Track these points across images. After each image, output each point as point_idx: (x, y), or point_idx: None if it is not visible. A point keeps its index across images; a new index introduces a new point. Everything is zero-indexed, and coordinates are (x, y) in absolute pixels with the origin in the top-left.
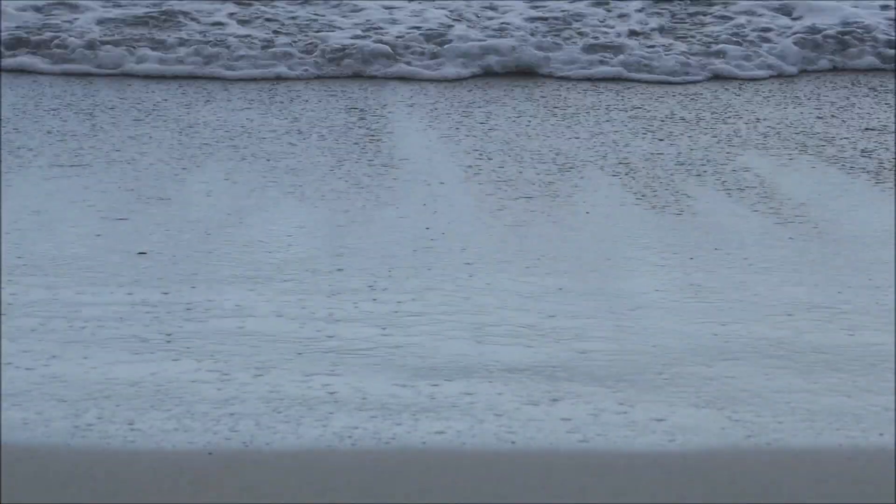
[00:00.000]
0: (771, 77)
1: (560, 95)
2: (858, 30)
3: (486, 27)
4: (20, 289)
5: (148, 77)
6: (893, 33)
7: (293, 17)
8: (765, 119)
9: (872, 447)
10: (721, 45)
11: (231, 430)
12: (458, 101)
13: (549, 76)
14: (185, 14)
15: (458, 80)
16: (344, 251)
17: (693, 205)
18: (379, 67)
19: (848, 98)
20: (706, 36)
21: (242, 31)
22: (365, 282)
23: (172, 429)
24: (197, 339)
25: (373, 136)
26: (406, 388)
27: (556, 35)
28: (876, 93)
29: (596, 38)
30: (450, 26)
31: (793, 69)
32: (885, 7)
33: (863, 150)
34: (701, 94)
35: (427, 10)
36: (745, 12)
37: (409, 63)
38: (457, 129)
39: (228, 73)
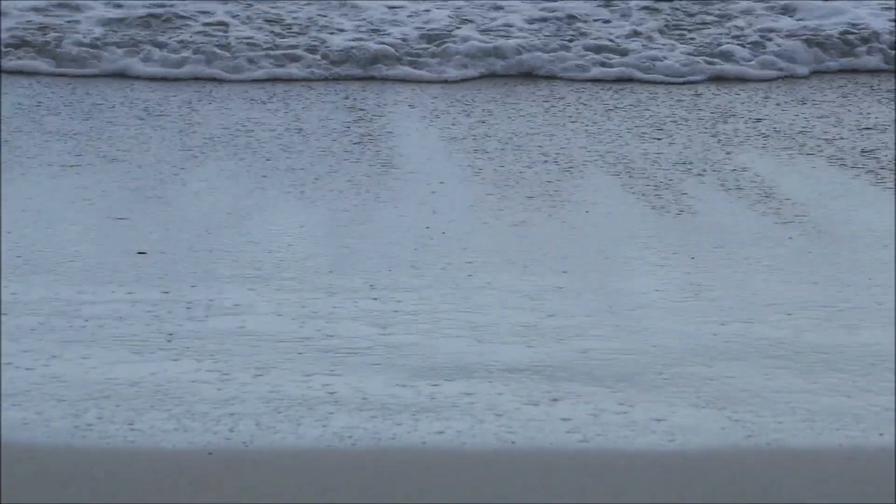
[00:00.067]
0: (773, 79)
1: (561, 96)
2: (863, 31)
3: (488, 28)
4: (20, 288)
5: (150, 79)
6: (894, 34)
7: (295, 18)
8: (765, 119)
9: (872, 447)
10: (724, 46)
11: (231, 430)
12: (459, 101)
13: (552, 77)
14: (186, 15)
15: (459, 81)
16: (344, 251)
17: (693, 205)
18: (381, 69)
19: (848, 98)
20: (708, 36)
21: (244, 32)
22: (365, 281)
23: (172, 429)
24: (197, 339)
25: (373, 136)
26: (406, 388)
27: (558, 36)
28: (876, 93)
29: (598, 38)
30: (454, 28)
31: (804, 69)
32: (886, 8)
33: (863, 150)
34: (701, 94)
35: (431, 10)
36: (746, 12)
37: (411, 64)
38: (457, 128)
39: (230, 76)
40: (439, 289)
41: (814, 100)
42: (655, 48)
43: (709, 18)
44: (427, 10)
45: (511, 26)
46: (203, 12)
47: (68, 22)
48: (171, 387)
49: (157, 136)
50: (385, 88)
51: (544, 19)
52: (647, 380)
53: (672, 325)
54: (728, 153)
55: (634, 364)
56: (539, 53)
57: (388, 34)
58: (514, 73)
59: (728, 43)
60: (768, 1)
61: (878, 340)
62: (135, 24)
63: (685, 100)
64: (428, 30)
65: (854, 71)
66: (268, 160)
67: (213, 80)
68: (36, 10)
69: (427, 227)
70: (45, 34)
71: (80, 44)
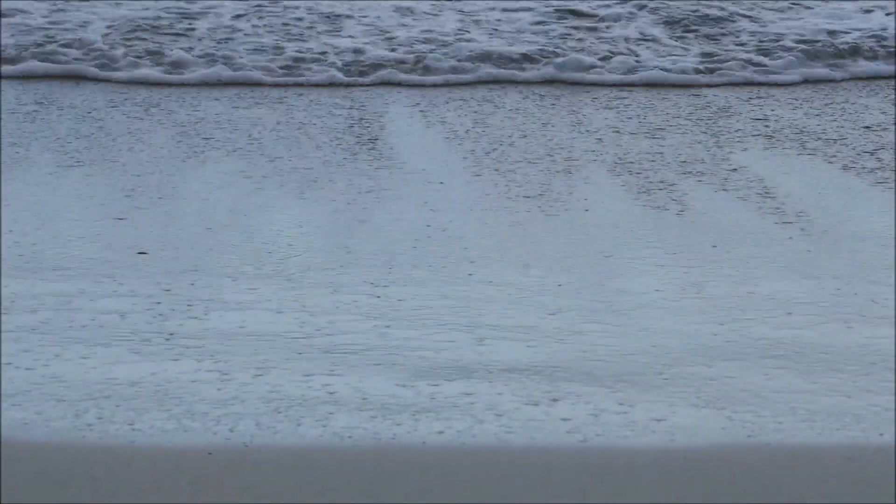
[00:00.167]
0: (773, 83)
1: (561, 96)
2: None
3: (495, 29)
4: (21, 288)
5: (151, 83)
6: (894, 34)
7: (299, 20)
8: (765, 119)
9: (872, 447)
10: (726, 47)
11: (231, 430)
12: (459, 101)
13: (555, 80)
14: (189, 16)
15: (461, 84)
16: (344, 251)
17: (693, 204)
18: (384, 75)
19: (848, 97)
20: (709, 37)
21: (250, 34)
22: (365, 281)
23: (172, 429)
24: (197, 338)
25: (373, 135)
26: (406, 388)
27: (563, 37)
28: (876, 93)
29: (600, 39)
30: (459, 31)
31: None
32: (889, 13)
33: (863, 150)
34: (701, 94)
35: (441, 13)
36: (751, 16)
37: (414, 66)
38: (457, 128)
39: (231, 75)
40: (439, 289)
41: (814, 100)
42: (662, 51)
43: (709, 20)
44: (437, 14)
45: (522, 32)
46: (207, 13)
47: (71, 23)
48: (171, 387)
49: (158, 136)
50: (386, 88)
51: (550, 21)
52: (647, 380)
53: (672, 325)
54: (728, 153)
55: (634, 364)
56: (545, 58)
57: (395, 38)
58: (518, 81)
59: (732, 44)
60: (770, 2)
61: (878, 340)
62: (138, 25)
63: (685, 99)
64: (437, 32)
65: (859, 78)
66: (268, 160)
67: (216, 81)
68: (39, 12)
69: (428, 226)
70: (49, 35)
71: (84, 45)
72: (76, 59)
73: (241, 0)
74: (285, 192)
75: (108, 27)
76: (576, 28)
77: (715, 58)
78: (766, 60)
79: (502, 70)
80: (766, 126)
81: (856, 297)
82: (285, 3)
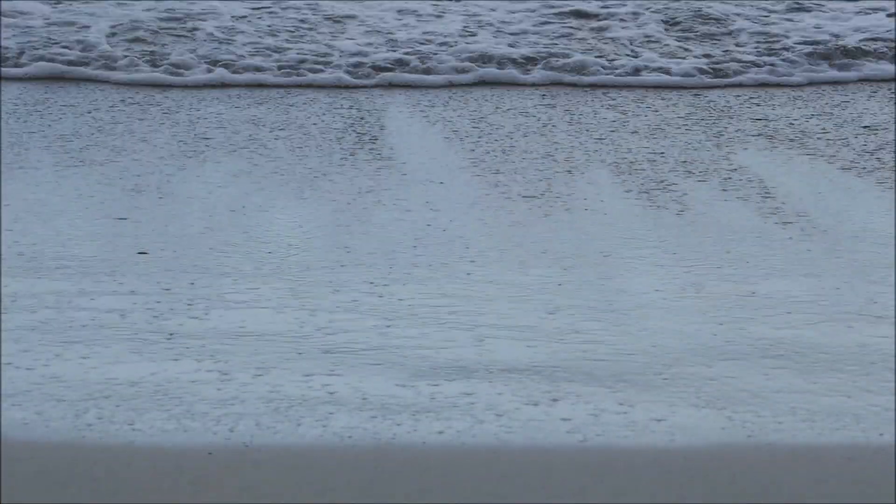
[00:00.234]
0: (774, 84)
1: (562, 97)
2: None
3: (498, 31)
4: (21, 288)
5: (152, 85)
6: (894, 35)
7: (303, 21)
8: (765, 119)
9: (872, 447)
10: (727, 48)
11: (231, 430)
12: (460, 101)
13: (557, 83)
14: (192, 17)
15: (462, 85)
16: (344, 250)
17: (693, 204)
18: (386, 74)
19: (848, 98)
20: (712, 39)
21: (252, 35)
22: (365, 281)
23: (172, 429)
24: (197, 338)
25: (373, 135)
26: (406, 388)
27: (565, 37)
28: (876, 93)
29: (603, 41)
30: (461, 32)
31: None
32: (889, 15)
33: (863, 150)
34: (701, 94)
35: (444, 15)
36: (755, 17)
37: (415, 68)
38: (457, 128)
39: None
40: (439, 289)
41: (814, 100)
42: (661, 52)
43: (711, 21)
44: (440, 16)
45: (525, 33)
46: (211, 15)
47: (74, 26)
48: (171, 387)
49: (159, 136)
50: (387, 89)
51: (553, 21)
52: (647, 380)
53: (672, 325)
54: (728, 153)
55: (634, 364)
56: (546, 59)
57: (397, 39)
58: (520, 83)
59: (731, 45)
60: (771, 4)
61: (877, 340)
62: (142, 27)
63: (685, 99)
64: (440, 34)
65: (861, 80)
66: (268, 160)
67: (218, 83)
68: (42, 15)
69: (428, 225)
70: (51, 36)
71: (87, 48)
72: (77, 61)
73: (243, 0)
74: (285, 192)
75: (111, 28)
76: (578, 28)
77: (715, 59)
78: (767, 62)
79: (504, 71)
80: (766, 126)
81: (856, 297)
82: (287, 4)
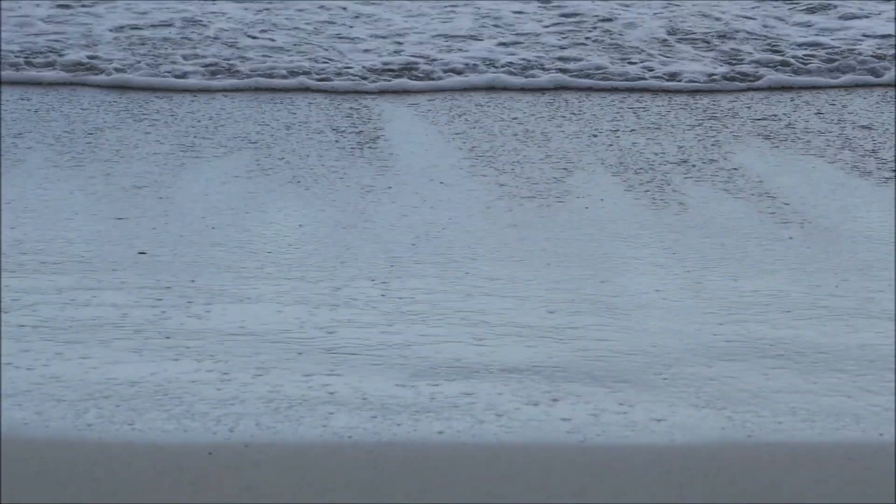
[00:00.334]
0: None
1: (564, 98)
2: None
3: (500, 33)
4: (21, 287)
5: (154, 88)
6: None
7: (308, 23)
8: (765, 119)
9: (872, 447)
10: (728, 50)
11: (231, 430)
12: (460, 101)
13: (560, 87)
14: (194, 21)
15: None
16: (344, 251)
17: (693, 204)
18: (388, 76)
19: (849, 98)
20: (712, 41)
21: (255, 37)
22: (365, 281)
23: (172, 429)
24: (197, 338)
25: (373, 135)
26: (406, 388)
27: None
28: (876, 93)
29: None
30: (464, 35)
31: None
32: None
33: (863, 150)
34: (701, 94)
35: (450, 18)
36: (754, 19)
37: (418, 69)
38: (458, 128)
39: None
40: (439, 289)
41: (814, 100)
42: (661, 53)
43: (715, 25)
44: (444, 19)
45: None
46: (217, 17)
47: (78, 29)
48: (171, 387)
49: (159, 136)
50: (387, 90)
51: (558, 23)
52: (647, 380)
53: (672, 325)
54: (728, 153)
55: (634, 364)
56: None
57: (400, 41)
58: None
59: (734, 48)
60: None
61: (877, 340)
62: (144, 31)
63: (685, 99)
64: (443, 36)
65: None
66: (269, 160)
67: (220, 88)
68: (43, 18)
69: (429, 223)
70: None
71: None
72: (79, 64)
73: (245, 1)
74: (285, 192)
75: (113, 31)
76: (578, 30)
77: (716, 60)
78: (768, 63)
79: (505, 74)
80: (766, 126)
81: (856, 297)
82: (289, 4)
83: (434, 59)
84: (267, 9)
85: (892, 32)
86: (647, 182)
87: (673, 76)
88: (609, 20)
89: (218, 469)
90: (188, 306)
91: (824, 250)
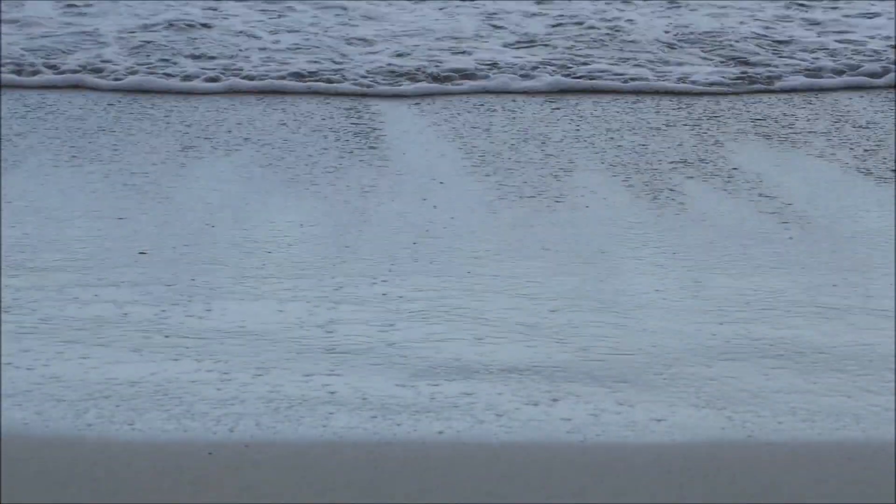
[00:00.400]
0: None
1: (565, 100)
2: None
3: (502, 35)
4: (21, 288)
5: (155, 90)
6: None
7: (313, 24)
8: (765, 119)
9: (872, 447)
10: (730, 53)
11: (231, 430)
12: (460, 101)
13: (562, 90)
14: (195, 24)
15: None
16: (344, 251)
17: (693, 204)
18: (388, 78)
19: (849, 98)
20: (713, 44)
21: (263, 41)
22: (365, 281)
23: (172, 429)
24: (197, 338)
25: (374, 136)
26: (406, 388)
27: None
28: (876, 93)
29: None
30: (466, 36)
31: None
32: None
33: (863, 150)
34: (701, 94)
35: (452, 20)
36: (755, 21)
37: (419, 72)
38: (458, 128)
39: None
40: (439, 288)
41: (815, 100)
42: (662, 54)
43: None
44: (446, 20)
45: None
46: (224, 18)
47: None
48: (171, 387)
49: (159, 136)
50: (388, 92)
51: (562, 25)
52: (647, 380)
53: (672, 325)
54: (728, 153)
55: (634, 364)
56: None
57: (402, 43)
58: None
59: (734, 50)
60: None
61: (877, 340)
62: (148, 33)
63: (685, 99)
64: (446, 39)
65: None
66: (269, 160)
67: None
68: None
69: (429, 222)
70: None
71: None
72: (82, 65)
73: (247, 1)
74: (285, 192)
75: (115, 33)
76: (577, 31)
77: (717, 62)
78: (769, 64)
79: (507, 75)
80: (767, 126)
81: (855, 297)
82: (293, 6)
83: (436, 61)
84: (270, 10)
85: (893, 33)
86: (648, 182)
87: (673, 77)
88: (609, 20)
89: (218, 469)
90: (188, 306)
91: (824, 250)
